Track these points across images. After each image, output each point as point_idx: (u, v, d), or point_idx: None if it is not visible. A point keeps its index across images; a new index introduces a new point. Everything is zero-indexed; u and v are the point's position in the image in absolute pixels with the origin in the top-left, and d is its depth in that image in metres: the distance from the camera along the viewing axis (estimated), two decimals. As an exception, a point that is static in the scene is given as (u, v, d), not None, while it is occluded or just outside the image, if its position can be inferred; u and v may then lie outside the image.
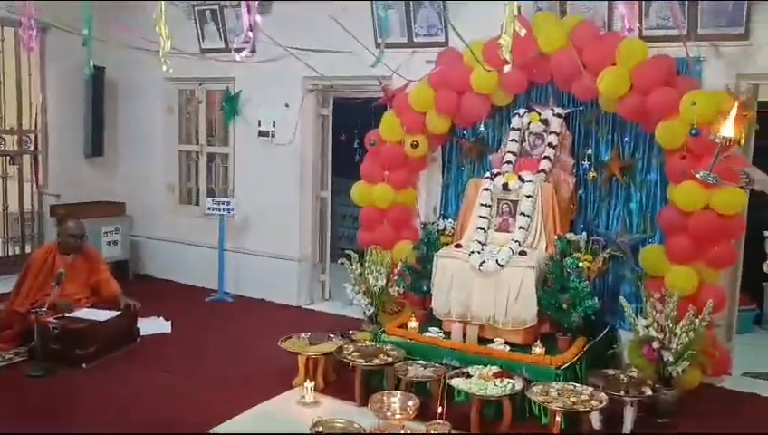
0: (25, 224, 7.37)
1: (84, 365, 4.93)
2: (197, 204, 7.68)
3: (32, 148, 7.40)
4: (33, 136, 7.39)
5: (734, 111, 3.02)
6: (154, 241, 7.83)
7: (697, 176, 3.20)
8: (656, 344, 4.26)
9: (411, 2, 5.81)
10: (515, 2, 2.71)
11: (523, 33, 2.77)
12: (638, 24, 4.84)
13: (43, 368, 4.77)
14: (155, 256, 7.86)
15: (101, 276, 5.72)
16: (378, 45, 5.78)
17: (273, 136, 6.85)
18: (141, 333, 5.59)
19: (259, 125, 6.93)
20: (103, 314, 5.27)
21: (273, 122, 6.84)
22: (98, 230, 7.16)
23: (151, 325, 5.86)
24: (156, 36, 3.84)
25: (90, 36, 3.69)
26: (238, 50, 3.51)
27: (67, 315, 5.15)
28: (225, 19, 6.84)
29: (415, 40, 5.93)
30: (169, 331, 5.92)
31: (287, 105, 6.72)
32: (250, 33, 3.29)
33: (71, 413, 4.28)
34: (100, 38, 5.09)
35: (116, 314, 5.36)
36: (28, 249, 7.28)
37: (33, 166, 7.45)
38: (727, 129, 3.00)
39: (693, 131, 4.44)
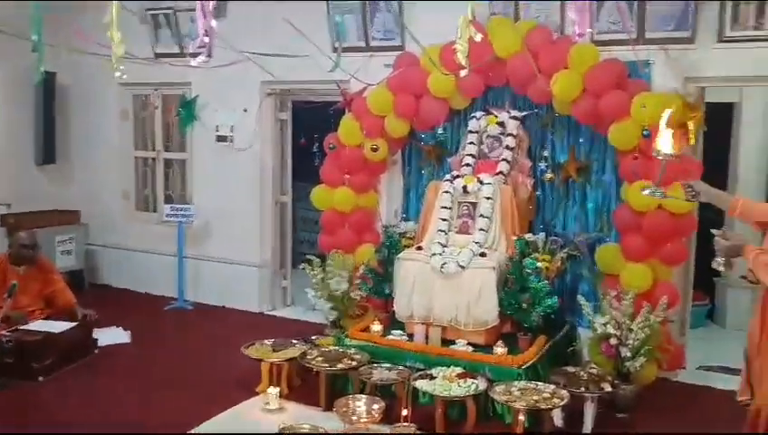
0: (-26, 235, 7.14)
1: (40, 378, 4.81)
2: (155, 211, 7.56)
3: (-20, 156, 7.19)
4: (-20, 144, 7.18)
5: (663, 125, 3.13)
6: (110, 249, 7.68)
7: (645, 193, 3.33)
8: (613, 341, 4.37)
9: (368, 5, 5.82)
10: (471, 1, 2.74)
11: (478, 38, 2.81)
12: (589, 29, 4.96)
13: (-4, 382, 4.65)
14: (111, 265, 7.71)
15: (56, 287, 5.60)
16: (335, 49, 5.80)
17: (231, 141, 6.78)
18: (99, 344, 5.46)
19: (217, 130, 6.85)
20: (59, 326, 5.14)
21: (232, 127, 6.78)
22: (51, 239, 6.99)
23: (109, 336, 5.74)
24: (109, 41, 3.77)
25: (40, 42, 3.59)
26: (194, 55, 3.46)
27: (21, 328, 5.02)
28: (180, 24, 6.75)
29: (372, 44, 5.95)
30: (128, 341, 5.81)
31: (245, 110, 6.67)
32: (206, 39, 3.25)
33: (27, 428, 4.16)
34: (50, 43, 4.98)
35: (72, 325, 5.24)
36: (-22, 261, 7.05)
37: (-19, 175, 7.23)
38: (665, 144, 3.11)
39: (644, 133, 4.58)
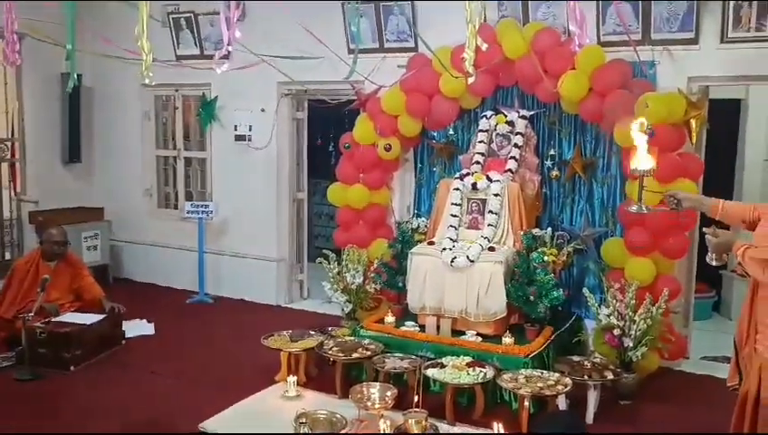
0: (4, 231, 7.43)
1: (72, 368, 5.06)
2: (176, 208, 7.81)
3: (9, 155, 7.46)
4: (9, 144, 7.45)
5: (643, 143, 3.26)
6: (133, 245, 7.95)
7: (632, 210, 3.42)
8: (617, 332, 4.55)
9: (381, 7, 6.00)
10: (478, 6, 2.91)
11: (485, 47, 3.00)
12: (595, 30, 5.13)
13: (31, 372, 4.89)
14: (135, 260, 7.98)
15: (84, 281, 5.85)
16: (350, 52, 5.99)
17: (249, 140, 7.00)
18: (126, 336, 5.72)
19: (236, 130, 7.08)
20: (89, 318, 5.39)
21: (250, 127, 7.00)
22: (77, 236, 7.24)
23: (135, 328, 6.00)
24: (132, 45, 3.94)
25: (73, 51, 3.82)
26: (220, 61, 3.67)
27: (53, 320, 5.27)
28: (200, 26, 6.98)
29: (385, 45, 6.14)
30: (153, 333, 6.06)
31: (263, 110, 6.89)
32: (230, 48, 3.46)
33: (61, 415, 4.39)
34: (77, 47, 5.19)
35: (101, 317, 5.48)
36: (8, 256, 7.35)
37: (10, 173, 7.51)
38: (641, 162, 3.24)
39: (649, 132, 4.72)
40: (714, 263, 3.06)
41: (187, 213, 7.14)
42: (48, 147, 7.64)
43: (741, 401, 2.94)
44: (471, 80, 3.44)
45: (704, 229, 3.05)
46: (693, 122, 4.91)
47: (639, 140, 3.25)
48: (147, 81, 3.73)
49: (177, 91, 7.57)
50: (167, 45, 7.08)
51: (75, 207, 7.74)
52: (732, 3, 4.86)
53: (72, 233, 6.86)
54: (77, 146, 7.78)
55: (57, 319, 5.32)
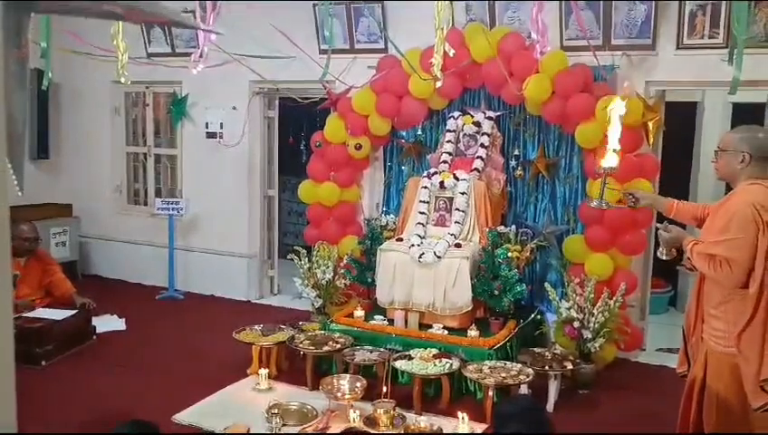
0: (-30, 227, 7.36)
1: (43, 363, 5.07)
2: (146, 204, 7.83)
3: (-25, 151, 7.39)
4: (-24, 139, 7.38)
5: (614, 142, 3.43)
6: (103, 241, 7.93)
7: (592, 205, 3.60)
8: (576, 324, 4.76)
9: (352, 9, 6.12)
10: (445, 24, 3.07)
11: (452, 53, 3.15)
12: (558, 35, 5.33)
13: (2, 367, 4.90)
14: (104, 257, 7.96)
15: (55, 277, 5.84)
16: (321, 51, 6.09)
17: (220, 137, 7.06)
18: (97, 331, 5.74)
19: (207, 127, 7.13)
20: (60, 314, 5.41)
21: (221, 124, 7.05)
22: (46, 232, 7.19)
23: (106, 323, 6.01)
24: (101, 41, 3.97)
25: (48, 49, 3.87)
26: (194, 63, 3.76)
27: (24, 315, 5.28)
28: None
29: (356, 46, 6.26)
30: (124, 328, 6.08)
31: (234, 108, 6.94)
32: (206, 49, 3.55)
33: (32, 410, 4.37)
34: (43, 42, 5.17)
35: (72, 312, 5.49)
36: (-26, 252, 7.29)
37: (-24, 169, 7.44)
38: (609, 160, 3.40)
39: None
40: (664, 257, 3.27)
41: (158, 210, 7.16)
42: (15, 142, 7.57)
43: (689, 385, 3.16)
44: (438, 83, 3.59)
45: (656, 225, 3.26)
46: (650, 125, 5.14)
47: (614, 129, 3.37)
48: (123, 80, 3.82)
49: (147, 88, 7.58)
50: (138, 43, 7.06)
51: (43, 203, 7.67)
52: (687, 11, 5.10)
53: (41, 229, 6.77)
54: (45, 142, 7.72)
55: (28, 314, 5.32)
